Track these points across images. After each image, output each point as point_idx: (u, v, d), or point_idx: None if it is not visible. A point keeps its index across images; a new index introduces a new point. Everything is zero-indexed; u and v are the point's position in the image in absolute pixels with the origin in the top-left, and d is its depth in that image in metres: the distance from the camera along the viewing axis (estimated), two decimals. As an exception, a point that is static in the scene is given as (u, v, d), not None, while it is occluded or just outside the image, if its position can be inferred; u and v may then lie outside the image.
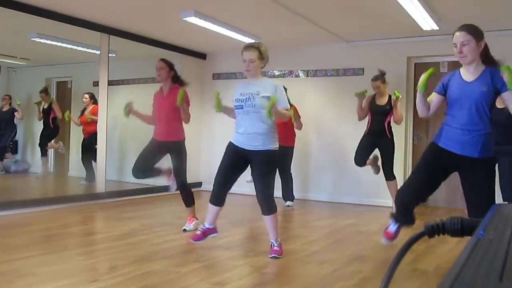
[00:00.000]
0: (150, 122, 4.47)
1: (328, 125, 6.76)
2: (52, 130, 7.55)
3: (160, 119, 4.35)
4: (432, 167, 2.95)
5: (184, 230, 4.42)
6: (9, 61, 7.86)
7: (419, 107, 3.06)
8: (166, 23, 5.81)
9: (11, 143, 7.78)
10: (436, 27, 5.36)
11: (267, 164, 3.49)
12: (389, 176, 5.48)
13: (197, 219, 4.54)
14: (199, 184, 7.59)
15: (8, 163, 7.98)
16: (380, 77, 5.39)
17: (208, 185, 7.26)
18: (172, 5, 4.94)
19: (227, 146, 3.61)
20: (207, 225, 3.74)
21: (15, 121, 7.59)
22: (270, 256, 3.48)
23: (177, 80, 4.43)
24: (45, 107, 7.47)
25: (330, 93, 6.81)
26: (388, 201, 6.22)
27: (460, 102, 2.82)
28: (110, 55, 6.20)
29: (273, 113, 3.31)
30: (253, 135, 3.45)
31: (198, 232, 3.73)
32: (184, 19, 5.22)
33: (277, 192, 6.24)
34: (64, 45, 6.56)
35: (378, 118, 5.41)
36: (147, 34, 6.45)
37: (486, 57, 2.84)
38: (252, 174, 3.63)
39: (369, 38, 6.27)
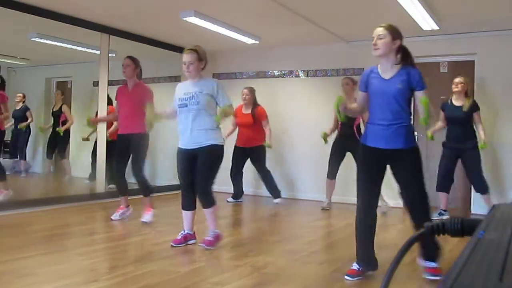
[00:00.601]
0: (114, 119, 4.88)
1: (328, 125, 6.75)
2: (64, 134, 7.46)
3: (124, 113, 4.65)
4: (370, 169, 3.03)
5: (144, 222, 4.65)
6: (9, 61, 7.85)
7: (353, 115, 3.48)
8: (166, 23, 5.81)
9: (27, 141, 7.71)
10: (436, 27, 5.36)
11: (209, 158, 3.64)
12: None
13: (152, 209, 4.79)
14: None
15: (9, 163, 7.97)
16: (351, 80, 5.66)
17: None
18: (172, 5, 4.94)
19: (177, 153, 3.76)
20: (186, 231, 3.85)
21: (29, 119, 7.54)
22: (201, 245, 3.72)
23: (140, 77, 4.74)
24: (55, 109, 7.38)
25: (330, 93, 6.80)
26: (389, 202, 6.22)
27: (379, 99, 2.97)
28: (110, 55, 6.20)
29: (222, 119, 3.61)
30: (197, 132, 3.61)
31: (179, 237, 3.81)
32: (184, 19, 5.22)
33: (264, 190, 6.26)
34: (64, 45, 6.55)
35: (347, 122, 5.39)
36: (147, 34, 6.45)
37: (405, 59, 3.00)
38: (197, 168, 3.70)
39: (369, 38, 6.24)
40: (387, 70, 3.01)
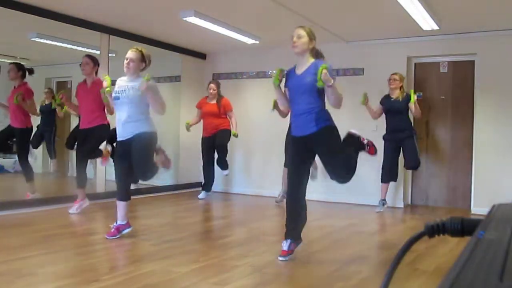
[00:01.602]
0: (76, 111, 5.27)
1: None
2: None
3: (85, 108, 4.99)
4: (296, 155, 3.41)
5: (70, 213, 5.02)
6: (9, 61, 7.85)
7: (281, 103, 3.66)
8: (166, 23, 5.81)
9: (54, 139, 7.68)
10: (436, 27, 5.36)
11: (142, 144, 3.80)
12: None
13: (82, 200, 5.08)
14: (198, 184, 7.59)
15: (9, 163, 7.97)
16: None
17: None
18: (172, 5, 4.94)
19: (116, 146, 4.00)
20: (119, 222, 4.00)
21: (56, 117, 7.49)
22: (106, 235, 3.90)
23: (96, 74, 5.10)
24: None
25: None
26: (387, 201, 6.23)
27: (294, 92, 3.40)
28: (110, 55, 6.20)
29: (143, 88, 3.67)
30: (129, 123, 3.81)
31: (112, 229, 3.95)
32: (184, 19, 5.22)
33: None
34: (64, 45, 6.55)
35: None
36: (147, 34, 6.45)
37: (315, 55, 3.47)
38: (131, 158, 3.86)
39: (369, 38, 6.27)
40: (301, 65, 3.40)
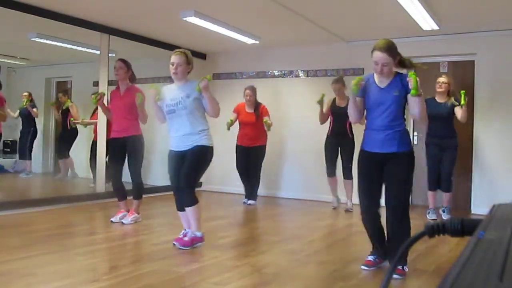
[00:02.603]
0: (108, 116, 4.88)
1: (327, 125, 6.75)
2: (72, 133, 7.50)
3: (118, 116, 4.63)
4: (369, 171, 3.18)
5: (122, 223, 4.60)
6: (9, 61, 7.86)
7: (353, 112, 3.24)
8: (166, 23, 5.81)
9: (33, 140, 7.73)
10: (436, 27, 5.36)
11: (197, 158, 3.63)
12: (348, 175, 5.78)
13: (138, 214, 4.71)
14: (199, 184, 7.59)
15: (9, 163, 7.98)
16: (341, 80, 5.74)
17: (209, 185, 7.28)
18: (172, 5, 4.94)
19: (169, 155, 3.78)
20: (187, 230, 3.83)
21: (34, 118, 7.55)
22: (175, 243, 3.69)
23: (133, 80, 4.73)
24: (63, 107, 7.42)
25: (330, 93, 6.80)
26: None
27: (376, 107, 3.12)
28: (110, 55, 6.20)
29: (203, 85, 3.47)
30: (187, 136, 3.62)
31: (186, 239, 3.72)
32: (184, 19, 5.22)
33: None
34: (64, 45, 6.56)
35: (339, 119, 5.63)
36: (147, 34, 6.44)
37: (399, 63, 3.15)
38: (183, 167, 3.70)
39: (369, 38, 6.24)
40: (383, 79, 3.14)
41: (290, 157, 6.98)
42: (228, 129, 5.92)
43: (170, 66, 3.68)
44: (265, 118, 5.98)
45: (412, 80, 2.91)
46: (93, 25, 5.81)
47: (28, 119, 7.59)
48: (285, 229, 4.99)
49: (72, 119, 7.29)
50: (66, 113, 7.37)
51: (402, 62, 3.17)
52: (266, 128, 6.04)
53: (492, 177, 5.70)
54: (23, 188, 7.32)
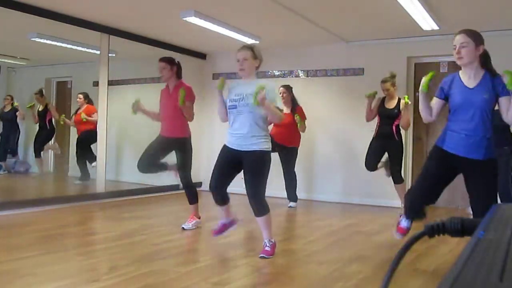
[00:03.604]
0: (156, 119, 4.56)
1: (327, 125, 6.76)
2: (48, 132, 7.58)
3: (166, 115, 4.42)
4: (440, 170, 3.03)
5: (183, 228, 4.43)
6: (9, 61, 7.86)
7: (423, 110, 3.06)
8: (166, 23, 5.81)
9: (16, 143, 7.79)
10: (436, 27, 5.36)
11: (257, 165, 3.44)
12: (398, 179, 5.46)
13: (199, 218, 4.57)
14: (199, 184, 7.59)
15: (9, 163, 7.98)
16: (390, 79, 5.34)
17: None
18: (172, 5, 4.94)
19: (222, 148, 3.62)
20: (224, 220, 3.83)
21: (18, 121, 7.61)
22: (260, 255, 3.47)
23: (180, 75, 4.51)
24: (40, 109, 7.49)
25: (330, 93, 6.81)
26: (388, 201, 6.22)
27: (464, 108, 2.89)
28: (110, 55, 6.20)
29: (260, 100, 3.18)
30: (246, 136, 3.41)
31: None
32: (184, 19, 5.22)
33: (282, 191, 6.26)
34: (64, 45, 6.55)
35: (387, 121, 5.34)
36: (147, 34, 6.45)
37: (485, 64, 2.93)
38: (244, 175, 3.54)
39: (369, 38, 6.27)
40: (471, 77, 2.92)
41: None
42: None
43: (237, 62, 3.51)
44: (297, 116, 5.73)
45: (507, 76, 2.69)
46: (93, 25, 5.81)
47: (11, 122, 7.66)
48: (285, 229, 4.99)
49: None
50: (44, 113, 7.44)
51: (486, 58, 2.94)
52: (300, 129, 5.82)
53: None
54: (23, 188, 7.32)
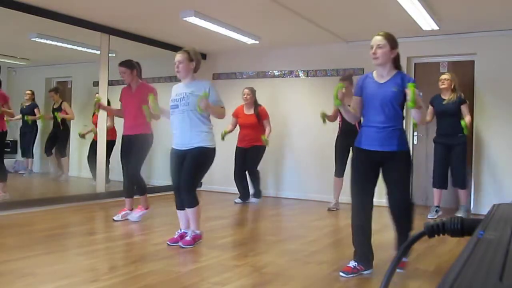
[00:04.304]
0: (117, 115, 4.95)
1: (328, 125, 6.75)
2: (65, 132, 7.48)
3: (128, 114, 4.68)
4: (365, 172, 3.12)
5: (116, 220, 4.70)
6: (9, 61, 7.85)
7: (348, 118, 3.24)
8: (166, 23, 5.81)
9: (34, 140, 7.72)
10: (436, 27, 5.36)
11: (196, 159, 3.65)
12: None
13: (146, 209, 4.84)
14: (199, 184, 7.59)
15: (9, 163, 7.97)
16: (347, 78, 5.64)
17: (208, 185, 7.28)
18: (172, 5, 4.94)
19: (170, 153, 3.80)
20: (183, 230, 3.87)
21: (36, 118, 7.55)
22: (180, 245, 3.71)
23: (141, 76, 4.80)
24: (55, 106, 7.40)
25: (330, 93, 6.79)
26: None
27: (374, 102, 3.07)
28: (110, 55, 6.20)
29: (203, 107, 3.47)
30: (188, 133, 3.63)
31: (188, 238, 3.76)
32: (184, 19, 5.22)
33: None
34: (64, 45, 6.56)
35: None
36: (147, 34, 6.45)
37: (398, 68, 3.16)
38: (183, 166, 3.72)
39: (369, 38, 6.21)
40: (383, 75, 3.12)
41: (289, 157, 6.98)
42: (223, 139, 5.88)
43: (174, 64, 3.74)
44: (264, 136, 6.06)
45: (410, 92, 2.84)
46: (93, 25, 5.81)
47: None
48: (285, 229, 4.99)
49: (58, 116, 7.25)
50: (58, 111, 7.35)
51: (397, 61, 3.17)
52: (265, 143, 6.10)
53: (492, 177, 5.70)
54: (23, 188, 7.31)
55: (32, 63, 8.24)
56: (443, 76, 5.39)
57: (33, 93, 7.47)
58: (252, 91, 6.23)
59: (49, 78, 8.27)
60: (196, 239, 3.77)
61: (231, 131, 6.26)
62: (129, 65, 4.68)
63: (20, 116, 7.24)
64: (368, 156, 3.08)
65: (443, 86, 5.34)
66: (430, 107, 5.43)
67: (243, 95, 6.22)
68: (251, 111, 6.17)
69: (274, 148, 6.67)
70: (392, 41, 3.09)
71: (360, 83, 3.19)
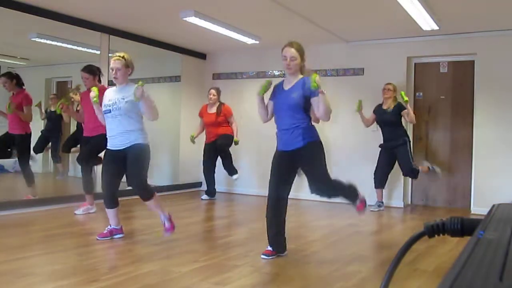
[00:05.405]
0: (79, 119, 5.28)
1: (327, 125, 6.75)
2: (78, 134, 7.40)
3: (89, 117, 4.86)
4: (280, 171, 3.41)
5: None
6: (9, 61, 7.84)
7: (260, 112, 3.54)
8: (166, 23, 5.81)
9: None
10: (436, 27, 5.36)
11: (138, 155, 3.79)
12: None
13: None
14: (199, 184, 7.59)
15: (9, 163, 7.96)
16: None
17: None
18: (172, 5, 4.94)
19: (105, 154, 3.96)
20: (114, 226, 4.01)
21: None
22: (165, 234, 3.95)
23: (100, 80, 5.11)
24: (78, 108, 7.31)
25: (330, 93, 6.79)
26: (387, 201, 6.23)
27: (279, 108, 3.40)
28: (110, 55, 6.19)
29: (139, 95, 3.59)
30: (123, 134, 3.78)
31: (105, 231, 3.96)
32: (184, 19, 5.22)
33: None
34: (64, 45, 6.55)
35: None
36: (147, 34, 6.45)
37: (302, 73, 3.42)
38: (126, 168, 3.83)
39: (369, 38, 6.26)
40: (290, 81, 3.41)
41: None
42: (193, 142, 6.32)
43: (111, 71, 3.86)
44: (236, 139, 6.35)
45: (312, 76, 3.11)
46: (93, 25, 5.81)
47: (55, 122, 7.43)
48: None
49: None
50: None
51: (301, 67, 3.42)
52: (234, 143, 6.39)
53: (492, 177, 5.70)
54: (23, 188, 7.31)
55: (32, 63, 8.22)
56: (387, 86, 5.77)
57: (57, 97, 7.39)
58: (218, 92, 6.49)
59: (49, 78, 8.25)
60: (171, 219, 3.99)
61: (200, 132, 6.52)
62: (90, 71, 4.94)
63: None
64: (283, 157, 3.38)
65: (386, 96, 5.75)
66: (373, 115, 5.90)
67: (209, 95, 6.45)
68: (213, 110, 6.41)
69: (274, 148, 6.67)
70: (302, 52, 3.40)
71: (274, 89, 3.49)
